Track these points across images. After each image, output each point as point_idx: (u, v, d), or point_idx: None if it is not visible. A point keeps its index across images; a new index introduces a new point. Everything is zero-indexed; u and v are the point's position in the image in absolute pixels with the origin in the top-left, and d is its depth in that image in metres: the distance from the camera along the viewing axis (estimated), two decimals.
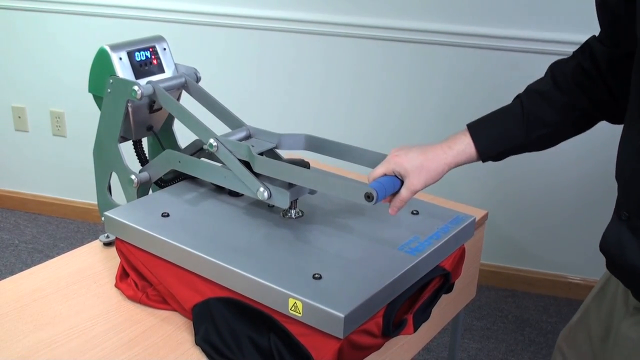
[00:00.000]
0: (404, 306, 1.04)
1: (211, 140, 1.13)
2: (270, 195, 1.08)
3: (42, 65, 2.79)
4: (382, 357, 1.06)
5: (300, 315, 0.93)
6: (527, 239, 2.58)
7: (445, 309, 1.27)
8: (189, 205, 1.18)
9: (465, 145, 1.06)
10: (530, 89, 1.09)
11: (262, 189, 1.09)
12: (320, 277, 0.97)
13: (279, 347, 0.94)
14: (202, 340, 0.99)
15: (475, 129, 1.07)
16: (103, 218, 1.31)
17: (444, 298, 1.16)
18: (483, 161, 1.09)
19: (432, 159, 1.03)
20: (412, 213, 1.19)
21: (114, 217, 1.13)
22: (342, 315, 0.89)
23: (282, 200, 1.08)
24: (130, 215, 1.13)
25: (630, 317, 0.97)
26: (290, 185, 1.10)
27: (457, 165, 1.06)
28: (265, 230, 1.11)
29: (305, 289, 0.94)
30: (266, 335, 0.96)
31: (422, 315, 1.08)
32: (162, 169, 1.23)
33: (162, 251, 1.08)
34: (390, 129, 2.51)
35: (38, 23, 2.73)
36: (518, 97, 1.10)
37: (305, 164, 1.14)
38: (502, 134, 1.07)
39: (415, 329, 1.05)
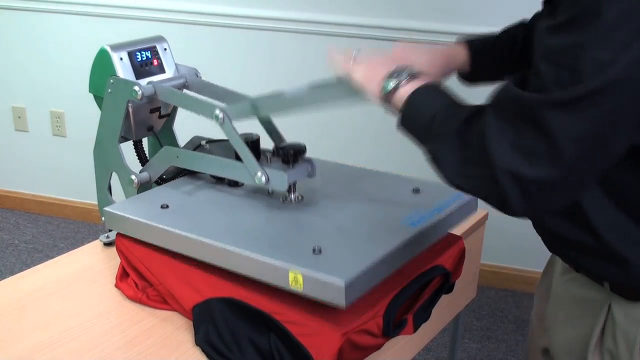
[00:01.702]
0: (404, 306, 1.04)
1: (216, 112, 1.12)
2: (267, 180, 1.08)
3: (42, 65, 2.79)
4: (382, 357, 1.06)
5: (300, 289, 0.92)
6: (527, 239, 2.58)
7: (445, 309, 1.27)
8: (188, 196, 1.18)
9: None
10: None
11: (259, 173, 1.08)
12: (320, 251, 0.96)
13: (279, 347, 0.94)
14: (202, 340, 0.99)
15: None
16: (103, 218, 1.31)
17: (444, 298, 1.16)
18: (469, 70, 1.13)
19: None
20: (414, 191, 1.18)
21: (113, 211, 1.13)
22: (342, 283, 0.88)
23: (280, 182, 1.08)
24: (129, 209, 1.14)
25: (560, 277, 1.06)
26: (287, 168, 1.10)
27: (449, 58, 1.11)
28: (265, 214, 1.11)
29: (304, 262, 0.93)
30: (266, 335, 0.96)
31: (422, 315, 1.08)
32: (161, 167, 1.23)
33: (161, 240, 1.08)
34: (392, 128, 2.51)
35: (38, 23, 2.73)
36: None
37: (302, 148, 1.13)
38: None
39: (415, 329, 1.05)
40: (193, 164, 1.18)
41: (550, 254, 1.09)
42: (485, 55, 1.14)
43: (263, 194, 1.18)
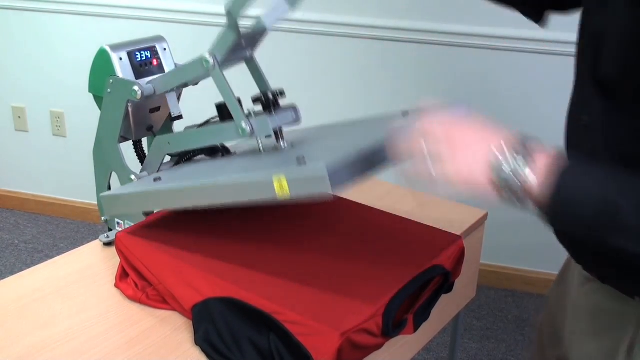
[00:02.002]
0: (404, 306, 1.04)
1: (206, 55, 1.11)
2: (252, 130, 1.08)
3: (42, 65, 2.79)
4: (382, 357, 1.06)
5: (288, 194, 0.91)
6: (527, 239, 2.58)
7: (445, 309, 1.27)
8: (181, 168, 1.21)
9: None
10: None
11: (244, 123, 1.08)
12: (304, 161, 0.95)
13: (279, 347, 0.94)
14: (201, 340, 0.99)
15: None
16: (103, 218, 1.31)
17: (444, 298, 1.16)
18: None
19: None
20: (403, 114, 1.19)
21: (108, 194, 1.17)
22: (324, 171, 0.87)
23: (264, 128, 1.08)
24: (123, 189, 1.18)
25: (580, 287, 0.99)
26: (270, 113, 1.10)
27: None
28: (255, 161, 1.13)
29: (288, 169, 0.93)
30: (266, 335, 0.96)
31: (422, 315, 1.08)
32: (157, 159, 1.23)
33: (154, 203, 1.10)
34: None
35: (38, 23, 2.73)
36: None
37: (280, 90, 1.15)
38: None
39: (416, 329, 1.05)
40: (185, 144, 1.19)
41: (561, 260, 1.04)
42: None
43: (256, 154, 1.18)
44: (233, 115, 1.10)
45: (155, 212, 1.21)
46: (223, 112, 1.16)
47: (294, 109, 1.14)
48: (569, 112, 0.95)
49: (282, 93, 1.15)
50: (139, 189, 1.15)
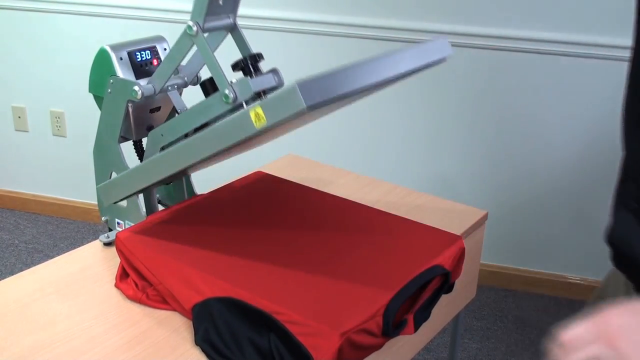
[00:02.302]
0: (404, 306, 1.04)
1: (190, 23, 1.10)
2: (235, 96, 1.07)
3: (42, 65, 2.79)
4: (382, 357, 1.06)
5: (265, 121, 0.91)
6: (527, 239, 2.58)
7: (445, 309, 1.27)
8: None
9: None
10: None
11: (227, 90, 1.07)
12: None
13: (279, 347, 0.94)
14: (202, 340, 0.99)
15: None
16: (103, 218, 1.31)
17: (444, 298, 1.16)
18: None
19: None
20: None
21: (104, 183, 1.19)
22: (294, 85, 0.86)
23: (245, 90, 1.07)
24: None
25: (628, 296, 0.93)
26: (251, 77, 1.10)
27: None
28: None
29: (263, 101, 0.93)
30: (266, 335, 0.96)
31: (422, 315, 1.08)
32: (154, 154, 1.23)
33: (147, 177, 1.11)
34: (392, 130, 2.51)
35: (38, 23, 2.73)
36: None
37: (258, 53, 1.14)
38: None
39: (416, 329, 1.05)
40: (177, 130, 1.18)
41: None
42: None
43: None
44: (216, 82, 1.09)
45: (151, 213, 1.21)
46: (207, 88, 1.17)
47: (275, 72, 1.13)
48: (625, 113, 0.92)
49: (260, 56, 1.13)
50: (130, 169, 1.16)
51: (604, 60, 2.27)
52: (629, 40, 0.87)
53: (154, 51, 1.26)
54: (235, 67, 1.14)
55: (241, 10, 1.23)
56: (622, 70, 2.18)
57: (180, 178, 1.35)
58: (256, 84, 1.09)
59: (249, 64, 1.12)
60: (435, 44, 1.12)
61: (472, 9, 2.33)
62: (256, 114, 0.92)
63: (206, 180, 1.46)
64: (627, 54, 0.91)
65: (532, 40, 2.28)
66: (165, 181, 1.34)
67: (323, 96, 0.90)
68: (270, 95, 0.91)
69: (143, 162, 1.12)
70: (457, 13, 2.34)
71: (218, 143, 0.99)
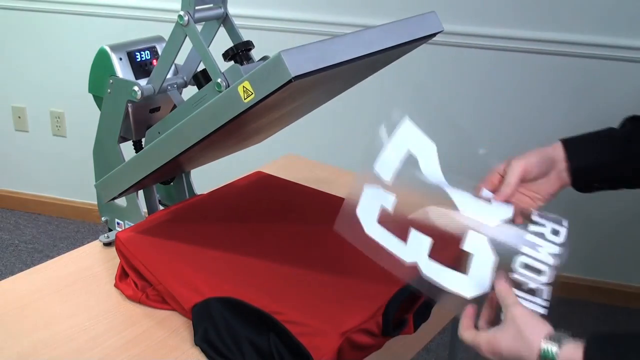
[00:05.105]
0: (404, 306, 1.04)
1: (181, 13, 1.11)
2: (227, 84, 1.07)
3: (42, 65, 2.79)
4: (382, 357, 1.06)
5: (253, 95, 0.92)
6: None
7: (445, 309, 1.27)
8: None
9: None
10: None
11: (219, 79, 1.06)
12: None
13: (279, 347, 0.94)
14: (201, 340, 0.99)
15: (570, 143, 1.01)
16: (103, 218, 1.31)
17: None
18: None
19: None
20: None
21: (101, 179, 1.19)
22: (279, 55, 0.87)
23: (236, 75, 1.06)
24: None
25: None
26: (241, 64, 1.10)
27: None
28: None
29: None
30: (266, 335, 0.96)
31: (422, 315, 1.08)
32: None
33: (142, 167, 1.11)
34: None
35: (38, 23, 2.73)
36: (624, 120, 1.01)
37: (248, 41, 1.15)
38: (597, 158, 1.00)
39: (416, 328, 1.05)
40: (173, 125, 1.17)
41: None
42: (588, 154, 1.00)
43: None
44: (209, 71, 1.08)
45: (151, 213, 1.21)
46: (200, 80, 1.17)
47: (266, 60, 1.14)
48: None
49: (250, 43, 1.13)
50: (126, 161, 1.16)
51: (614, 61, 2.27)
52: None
53: (153, 51, 1.26)
54: (226, 56, 1.14)
55: (241, 10, 1.23)
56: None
57: (179, 174, 1.35)
58: (247, 71, 1.08)
59: (239, 52, 1.11)
60: (424, 19, 1.12)
61: (474, 10, 2.32)
62: (244, 89, 0.92)
63: (206, 180, 1.46)
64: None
65: (532, 40, 2.28)
66: (164, 178, 1.34)
67: (310, 66, 0.90)
68: (256, 68, 0.91)
69: (138, 153, 1.12)
70: (457, 13, 2.34)
71: (209, 124, 0.99)
